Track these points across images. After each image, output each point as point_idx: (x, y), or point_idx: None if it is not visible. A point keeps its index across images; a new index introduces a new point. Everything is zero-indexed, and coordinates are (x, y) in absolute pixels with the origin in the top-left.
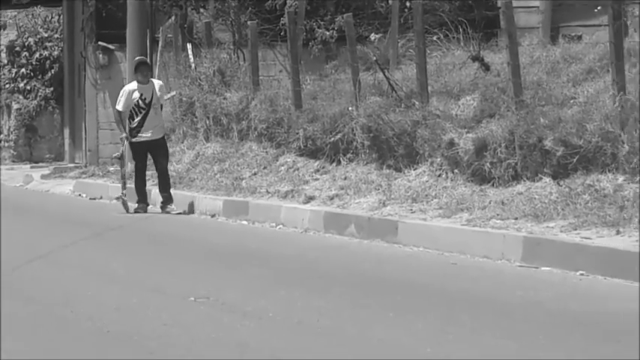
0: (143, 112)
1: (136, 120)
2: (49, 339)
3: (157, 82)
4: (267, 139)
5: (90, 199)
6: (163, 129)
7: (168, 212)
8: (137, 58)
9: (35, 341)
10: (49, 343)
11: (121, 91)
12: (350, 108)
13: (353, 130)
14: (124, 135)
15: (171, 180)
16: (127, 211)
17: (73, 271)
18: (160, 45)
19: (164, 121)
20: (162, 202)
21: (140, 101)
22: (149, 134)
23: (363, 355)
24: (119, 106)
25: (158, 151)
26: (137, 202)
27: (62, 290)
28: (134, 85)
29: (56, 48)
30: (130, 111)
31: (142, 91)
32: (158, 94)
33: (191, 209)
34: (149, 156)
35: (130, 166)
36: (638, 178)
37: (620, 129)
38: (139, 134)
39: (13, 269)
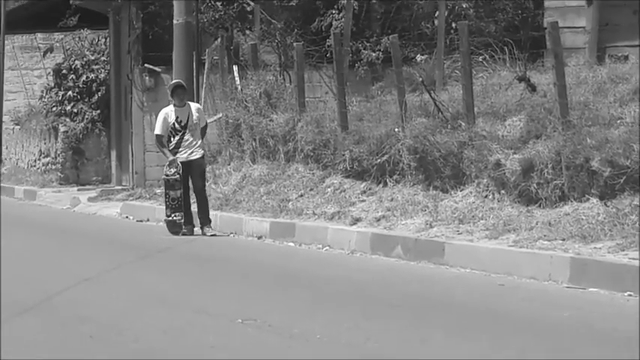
0: (179, 134)
1: (172, 142)
2: (98, 359)
3: (194, 105)
4: (313, 160)
5: (137, 221)
6: (201, 150)
7: (204, 234)
8: (173, 81)
9: None
10: None
11: (159, 115)
12: (396, 129)
13: (399, 152)
14: (170, 157)
15: (217, 202)
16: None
17: (120, 293)
18: (206, 67)
19: (204, 143)
20: (200, 224)
21: (176, 124)
22: (185, 155)
23: None
24: (157, 130)
25: (195, 170)
26: (184, 225)
27: (111, 312)
28: (170, 108)
29: (103, 70)
30: (167, 134)
31: (178, 113)
32: (195, 115)
33: (238, 230)
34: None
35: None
36: None
37: None
38: (176, 155)
39: (63, 291)
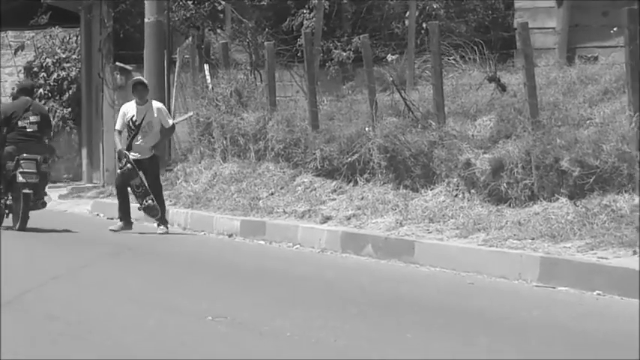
0: (132, 133)
1: (127, 141)
2: (68, 358)
3: (156, 105)
4: (284, 159)
5: (108, 218)
6: (152, 151)
7: (156, 232)
8: (134, 78)
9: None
10: None
11: (120, 109)
12: (367, 128)
13: (370, 151)
14: (118, 147)
15: (187, 200)
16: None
17: (91, 290)
18: (177, 66)
19: (175, 141)
20: (156, 222)
21: (131, 122)
22: (136, 156)
23: None
24: (117, 126)
25: (146, 171)
26: (119, 220)
27: (80, 309)
28: (132, 104)
29: (74, 69)
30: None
31: (135, 112)
32: (153, 117)
33: (209, 228)
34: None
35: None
36: None
37: (637, 149)
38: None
39: (31, 289)
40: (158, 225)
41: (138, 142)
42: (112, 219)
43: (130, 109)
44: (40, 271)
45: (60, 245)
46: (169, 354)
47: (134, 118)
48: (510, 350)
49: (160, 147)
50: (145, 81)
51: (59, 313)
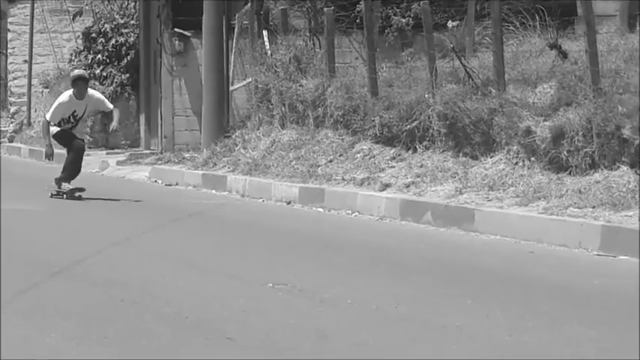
0: (71, 124)
1: (64, 127)
2: (128, 323)
3: (93, 96)
4: (343, 126)
5: (166, 185)
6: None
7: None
8: (75, 72)
9: (115, 324)
10: (129, 327)
11: (56, 101)
12: (426, 95)
13: (429, 118)
14: (48, 149)
15: (245, 167)
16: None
17: (152, 257)
18: (235, 32)
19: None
20: (56, 179)
21: (72, 117)
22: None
23: (443, 342)
24: (49, 116)
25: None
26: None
27: (141, 276)
28: (69, 97)
29: (132, 34)
30: (60, 121)
31: (76, 107)
32: (90, 110)
33: (267, 195)
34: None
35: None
36: None
37: None
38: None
39: (92, 255)
40: (57, 182)
41: (76, 130)
42: (170, 185)
43: (68, 102)
44: (100, 237)
45: (119, 211)
46: (230, 320)
47: (75, 113)
48: (571, 319)
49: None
50: (86, 75)
51: (120, 279)
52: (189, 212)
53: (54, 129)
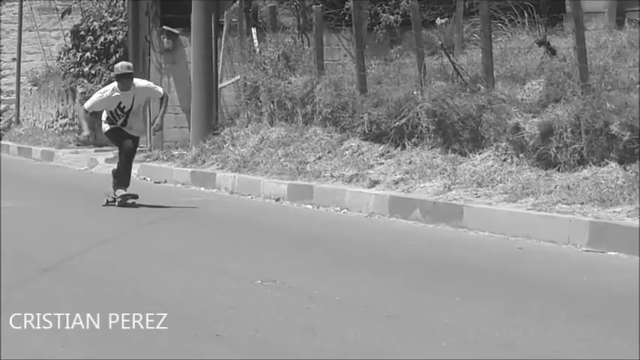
0: (122, 118)
1: (117, 123)
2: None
3: (140, 85)
4: (331, 123)
5: (154, 182)
6: (140, 132)
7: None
8: (118, 69)
9: (102, 322)
10: (116, 325)
11: (98, 92)
12: (415, 92)
13: (418, 115)
14: (85, 133)
15: (234, 164)
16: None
17: (140, 254)
18: (224, 29)
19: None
20: (114, 185)
21: (118, 110)
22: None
23: (431, 339)
24: (88, 105)
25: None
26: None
27: (129, 273)
28: (113, 91)
29: (121, 32)
30: (109, 116)
31: (122, 99)
32: (141, 99)
33: (255, 192)
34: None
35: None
36: None
37: None
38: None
39: (79, 253)
40: (115, 189)
41: (129, 125)
42: (158, 183)
43: (112, 95)
44: (88, 235)
45: (108, 209)
46: (218, 316)
47: (122, 105)
48: (559, 315)
49: None
50: (132, 72)
51: (107, 277)
52: (178, 209)
53: (105, 126)
